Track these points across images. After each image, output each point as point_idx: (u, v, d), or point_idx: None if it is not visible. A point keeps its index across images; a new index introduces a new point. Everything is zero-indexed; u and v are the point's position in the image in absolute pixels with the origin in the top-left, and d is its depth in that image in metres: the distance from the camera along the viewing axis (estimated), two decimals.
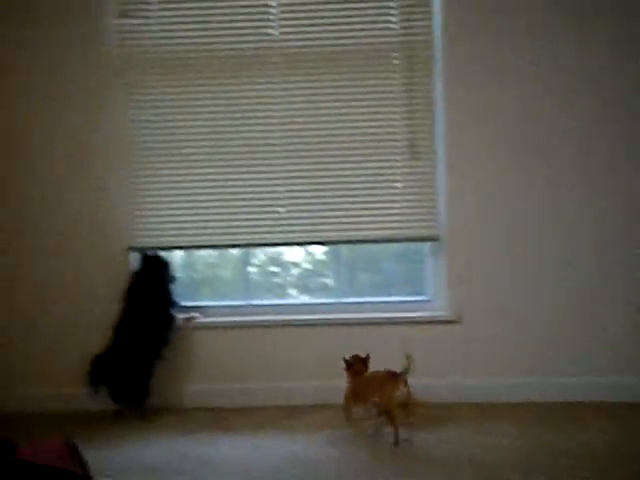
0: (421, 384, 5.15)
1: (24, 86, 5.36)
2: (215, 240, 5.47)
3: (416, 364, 5.08)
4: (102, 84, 5.33)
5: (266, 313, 5.49)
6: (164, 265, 5.32)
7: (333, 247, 5.52)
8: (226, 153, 5.37)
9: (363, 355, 4.81)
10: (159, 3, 5.33)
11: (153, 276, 5.27)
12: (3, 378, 5.36)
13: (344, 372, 4.80)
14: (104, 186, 5.37)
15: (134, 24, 5.33)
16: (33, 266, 5.41)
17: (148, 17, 5.33)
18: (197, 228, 5.43)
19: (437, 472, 4.03)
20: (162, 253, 5.38)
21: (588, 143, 5.16)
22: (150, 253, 5.33)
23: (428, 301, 5.45)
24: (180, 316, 5.34)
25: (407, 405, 4.66)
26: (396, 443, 4.44)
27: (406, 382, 4.58)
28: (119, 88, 5.36)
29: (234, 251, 5.68)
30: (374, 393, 4.58)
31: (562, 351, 5.23)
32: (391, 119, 5.30)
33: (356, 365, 4.79)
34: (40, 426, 4.81)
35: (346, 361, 4.80)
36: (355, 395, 4.71)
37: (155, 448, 4.54)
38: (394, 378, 4.53)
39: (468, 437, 4.55)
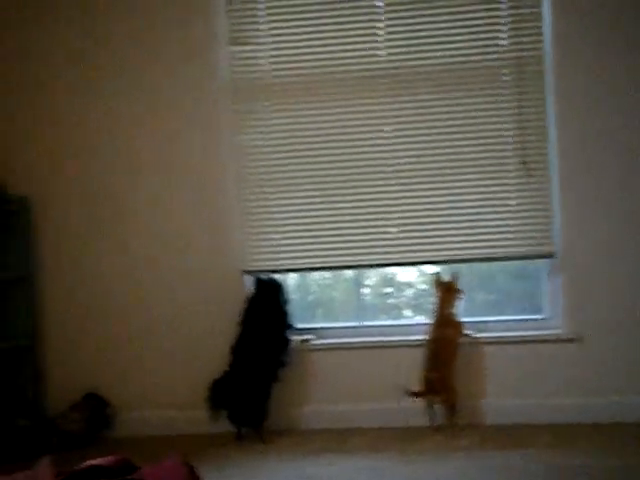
0: (542, 404, 5.09)
1: (141, 116, 5.51)
2: (328, 262, 5.50)
3: (532, 384, 5.05)
4: (215, 111, 5.44)
5: (380, 334, 5.47)
6: (278, 288, 5.36)
7: (447, 267, 5.47)
8: (337, 175, 5.39)
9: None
10: (269, 30, 5.41)
11: (268, 299, 5.32)
12: (124, 402, 5.49)
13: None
14: (219, 210, 5.47)
15: (245, 50, 5.42)
16: (150, 290, 5.54)
17: (258, 43, 5.42)
18: (310, 250, 5.46)
19: None
20: (276, 276, 5.43)
21: None
22: (264, 277, 5.38)
23: (545, 319, 5.34)
24: (295, 338, 5.37)
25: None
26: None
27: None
28: (231, 114, 5.45)
29: (347, 272, 5.68)
30: None
31: None
32: (502, 136, 5.24)
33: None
34: (159, 448, 4.89)
35: None
36: None
37: (274, 470, 4.55)
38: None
39: (590, 458, 4.41)
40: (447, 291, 5.22)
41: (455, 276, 5.22)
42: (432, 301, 5.27)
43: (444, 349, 5.14)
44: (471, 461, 4.50)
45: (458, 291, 5.22)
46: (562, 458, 4.44)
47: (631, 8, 5.03)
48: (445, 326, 5.18)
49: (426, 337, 5.18)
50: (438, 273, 5.28)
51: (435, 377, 5.07)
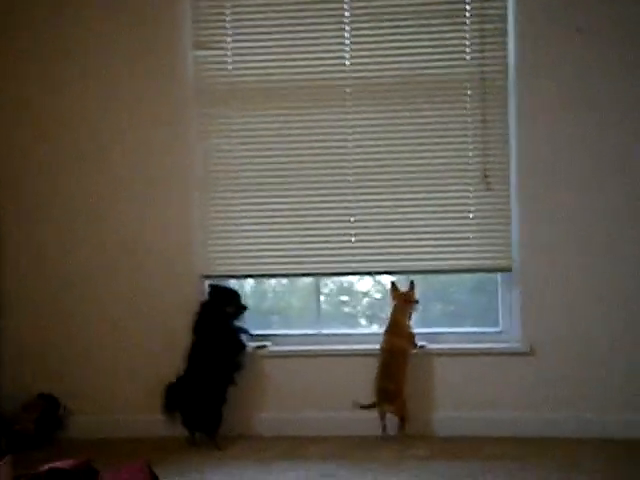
0: (494, 417, 5.14)
1: (101, 117, 5.47)
2: (286, 269, 5.50)
3: (487, 396, 5.11)
4: (178, 115, 5.41)
5: (337, 342, 5.48)
6: (232, 293, 5.36)
7: (403, 277, 5.50)
8: (298, 182, 5.39)
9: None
10: (235, 35, 5.40)
11: (221, 304, 5.31)
12: (78, 404, 5.42)
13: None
14: (180, 214, 5.44)
15: (210, 55, 5.41)
16: (108, 293, 5.48)
17: (224, 48, 5.41)
18: (268, 257, 5.45)
19: None
20: (233, 281, 5.44)
21: None
22: (218, 284, 5.38)
23: (500, 332, 5.38)
24: (251, 344, 5.36)
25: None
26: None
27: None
28: (195, 118, 5.44)
29: (305, 280, 5.69)
30: None
31: None
32: (464, 149, 5.28)
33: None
34: (114, 451, 4.84)
35: None
36: None
37: (227, 476, 4.54)
38: None
39: (541, 472, 4.47)
40: (403, 301, 5.25)
41: (412, 286, 5.26)
42: (387, 310, 5.29)
43: (395, 359, 5.16)
44: (423, 471, 4.53)
45: (414, 301, 5.26)
46: (513, 471, 4.48)
47: (596, 23, 5.10)
48: (397, 336, 5.21)
49: (379, 346, 5.20)
50: (394, 282, 5.31)
51: (387, 387, 5.10)
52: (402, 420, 5.14)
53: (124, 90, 5.44)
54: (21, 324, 5.53)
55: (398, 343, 5.19)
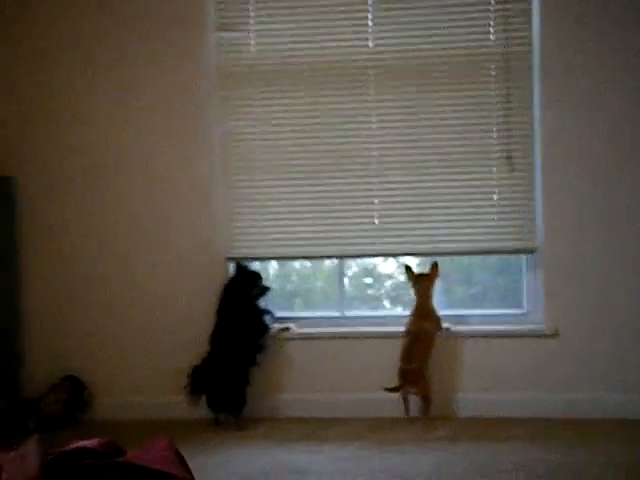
0: (518, 398, 5.13)
1: (121, 99, 5.49)
2: (309, 251, 5.51)
3: (511, 377, 5.10)
4: (202, 97, 5.42)
5: (360, 324, 5.49)
6: (255, 275, 5.38)
7: (427, 259, 5.49)
8: (322, 164, 5.40)
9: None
10: (257, 17, 5.41)
11: (245, 286, 5.32)
12: (104, 387, 5.48)
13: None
14: (204, 197, 5.46)
15: (233, 37, 5.41)
16: (132, 276, 5.52)
17: (247, 30, 5.41)
18: (292, 239, 5.46)
19: None
20: (255, 264, 5.46)
21: None
22: (241, 264, 5.39)
23: (525, 314, 5.37)
24: (275, 327, 5.38)
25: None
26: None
27: None
28: (218, 100, 5.44)
29: (328, 262, 5.69)
30: None
31: None
32: (488, 130, 5.26)
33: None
34: (139, 432, 4.85)
35: None
36: None
37: (251, 457, 4.55)
38: None
39: (565, 453, 4.45)
40: (425, 283, 5.24)
41: (435, 266, 5.25)
42: (411, 292, 5.28)
43: (421, 341, 5.17)
44: (445, 453, 4.52)
45: (435, 279, 5.25)
46: (537, 452, 4.46)
47: (619, 6, 5.06)
48: (423, 319, 5.21)
49: (404, 329, 5.20)
50: (408, 266, 5.31)
51: (411, 369, 5.10)
52: (426, 401, 5.14)
53: (146, 73, 5.46)
54: (47, 308, 5.57)
55: (425, 326, 5.19)
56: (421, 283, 5.26)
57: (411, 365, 5.10)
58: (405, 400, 5.18)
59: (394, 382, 5.13)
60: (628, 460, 4.27)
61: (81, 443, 2.67)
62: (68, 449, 2.60)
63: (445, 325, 5.25)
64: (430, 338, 5.19)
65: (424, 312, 5.23)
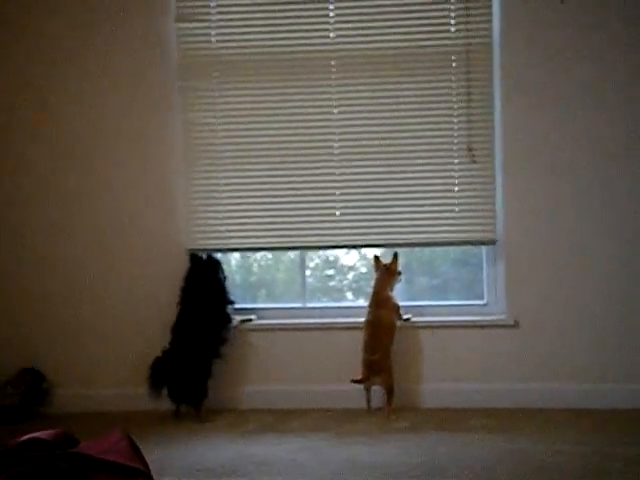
0: (477, 389, 5.16)
1: (84, 88, 5.43)
2: (271, 242, 5.49)
3: (472, 368, 5.13)
4: (162, 87, 5.39)
5: (322, 316, 5.49)
6: (215, 265, 5.36)
7: (388, 250, 5.50)
8: (283, 155, 5.38)
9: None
10: (218, 7, 5.37)
11: (205, 277, 5.31)
12: (63, 378, 5.43)
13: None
14: (165, 189, 5.43)
15: (194, 27, 5.38)
16: (92, 267, 5.48)
17: (208, 20, 5.37)
18: (254, 230, 5.45)
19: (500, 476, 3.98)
20: (217, 255, 5.43)
21: None
22: (200, 254, 5.37)
23: (485, 305, 5.40)
24: (236, 318, 5.37)
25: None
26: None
27: None
28: (179, 91, 5.41)
29: (290, 254, 5.69)
30: None
31: (624, 357, 5.14)
32: (449, 122, 5.27)
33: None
34: (98, 424, 4.83)
35: None
36: None
37: (212, 449, 4.55)
38: None
39: (526, 442, 4.49)
40: (386, 273, 5.25)
41: (396, 257, 5.26)
42: (372, 283, 5.30)
43: (381, 331, 5.17)
44: (406, 443, 4.54)
45: (397, 273, 5.26)
46: (498, 442, 4.50)
47: None
48: (382, 308, 5.21)
49: (364, 319, 5.21)
50: (377, 256, 5.31)
51: (374, 359, 5.10)
52: (389, 392, 5.14)
53: (106, 63, 5.41)
54: (4, 300, 5.52)
55: (384, 315, 5.19)
56: (382, 272, 5.27)
57: (374, 356, 5.10)
58: (368, 391, 5.18)
59: (356, 373, 5.12)
60: (587, 450, 4.31)
61: (35, 435, 2.64)
62: (21, 441, 2.57)
63: (406, 316, 5.26)
64: (389, 327, 5.19)
65: (380, 301, 5.23)
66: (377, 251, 5.43)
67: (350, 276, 5.86)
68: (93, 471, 2.51)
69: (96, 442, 2.71)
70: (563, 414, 5.01)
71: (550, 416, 4.98)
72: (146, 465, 2.71)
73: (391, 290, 5.26)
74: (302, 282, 5.61)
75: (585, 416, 4.95)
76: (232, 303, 5.36)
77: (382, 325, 5.17)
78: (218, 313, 5.28)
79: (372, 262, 5.33)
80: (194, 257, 5.35)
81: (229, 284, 5.40)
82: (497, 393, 5.21)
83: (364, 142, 5.33)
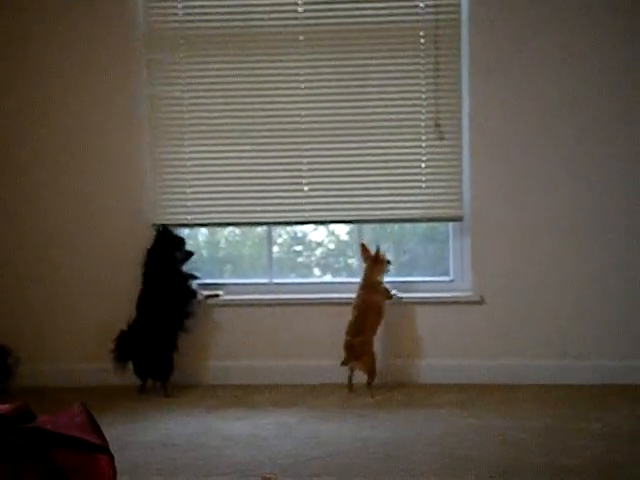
0: (443, 365, 5.19)
1: (49, 62, 5.37)
2: (238, 218, 5.48)
3: (439, 344, 5.14)
4: (128, 60, 5.33)
5: (289, 292, 5.49)
6: (177, 239, 5.33)
7: (356, 227, 5.50)
8: (250, 131, 5.35)
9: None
10: None
11: (168, 250, 5.28)
12: (28, 353, 5.39)
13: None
14: (130, 163, 5.39)
15: (160, 0, 5.33)
16: (57, 243, 5.45)
17: None
18: (221, 206, 5.43)
19: (463, 452, 4.00)
20: (184, 230, 5.43)
21: (622, 127, 5.13)
22: (164, 228, 5.33)
23: (451, 281, 5.42)
24: (203, 293, 5.35)
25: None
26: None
27: None
28: (146, 64, 5.36)
29: (258, 229, 5.67)
30: None
31: (589, 333, 5.19)
32: (417, 98, 5.26)
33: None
34: (62, 399, 4.81)
35: None
36: None
37: (177, 424, 4.56)
38: None
39: (490, 418, 4.52)
40: (375, 262, 5.23)
41: (378, 250, 5.21)
42: (341, 260, 5.28)
43: (369, 315, 5.16)
44: (372, 419, 4.57)
45: (386, 262, 5.25)
46: (464, 417, 4.54)
47: None
48: (371, 291, 5.19)
49: (352, 303, 5.19)
50: (364, 244, 5.27)
51: (357, 342, 5.08)
52: (370, 375, 5.12)
53: (71, 35, 5.35)
54: None
55: (373, 298, 5.18)
56: (369, 263, 5.23)
57: (357, 338, 5.09)
58: (351, 370, 5.15)
59: (323, 349, 5.16)
60: (551, 425, 4.37)
61: None
62: None
63: (393, 292, 5.28)
64: (377, 311, 5.18)
65: (370, 285, 5.20)
66: (339, 228, 5.39)
67: (318, 252, 5.85)
68: (50, 445, 2.51)
69: (54, 416, 2.71)
70: (528, 389, 5.06)
71: (515, 392, 5.03)
72: (104, 439, 2.70)
73: (382, 277, 5.25)
74: (269, 258, 5.60)
75: (550, 391, 5.01)
76: (195, 278, 5.34)
77: (369, 308, 5.16)
78: (182, 287, 5.26)
79: (359, 251, 5.30)
80: (160, 231, 5.30)
81: (196, 259, 5.37)
82: (463, 369, 5.24)
83: (332, 117, 5.31)
